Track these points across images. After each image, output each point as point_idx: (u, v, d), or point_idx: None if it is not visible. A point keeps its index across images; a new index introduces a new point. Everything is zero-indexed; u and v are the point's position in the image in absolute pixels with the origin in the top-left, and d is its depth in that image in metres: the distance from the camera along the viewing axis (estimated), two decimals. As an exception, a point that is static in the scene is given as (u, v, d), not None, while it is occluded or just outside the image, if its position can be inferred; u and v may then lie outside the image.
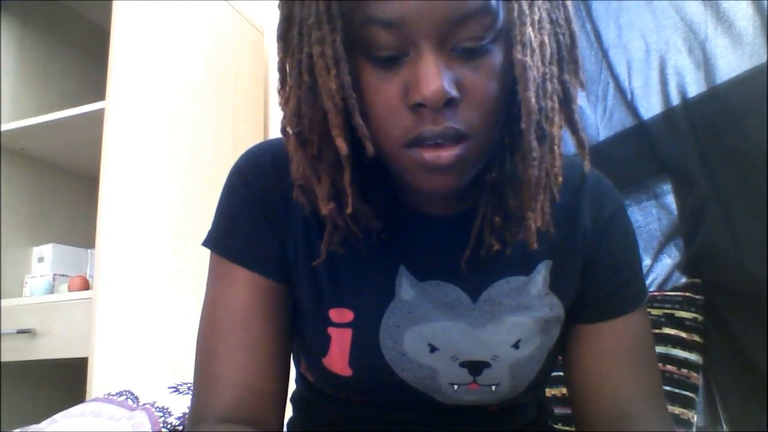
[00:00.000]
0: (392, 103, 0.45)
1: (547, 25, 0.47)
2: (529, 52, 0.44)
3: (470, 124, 0.45)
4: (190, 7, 1.58)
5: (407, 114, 0.45)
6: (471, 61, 0.44)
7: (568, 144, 0.54)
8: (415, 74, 0.43)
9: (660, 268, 1.16)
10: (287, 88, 0.48)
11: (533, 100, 0.44)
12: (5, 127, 1.46)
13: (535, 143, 0.46)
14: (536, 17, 0.45)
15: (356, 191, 0.49)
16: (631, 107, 1.21)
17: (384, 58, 0.44)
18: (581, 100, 1.28)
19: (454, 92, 0.43)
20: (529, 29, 0.44)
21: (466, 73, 0.44)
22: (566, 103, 0.49)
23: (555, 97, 0.47)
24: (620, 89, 1.23)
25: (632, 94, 1.21)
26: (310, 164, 0.48)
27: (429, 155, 0.45)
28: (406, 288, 0.58)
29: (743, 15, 1.01)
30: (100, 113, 1.30)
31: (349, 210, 0.48)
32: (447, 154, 0.45)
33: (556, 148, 0.48)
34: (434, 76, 0.42)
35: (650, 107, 1.18)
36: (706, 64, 1.07)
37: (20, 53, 1.62)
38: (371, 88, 0.45)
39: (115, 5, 1.35)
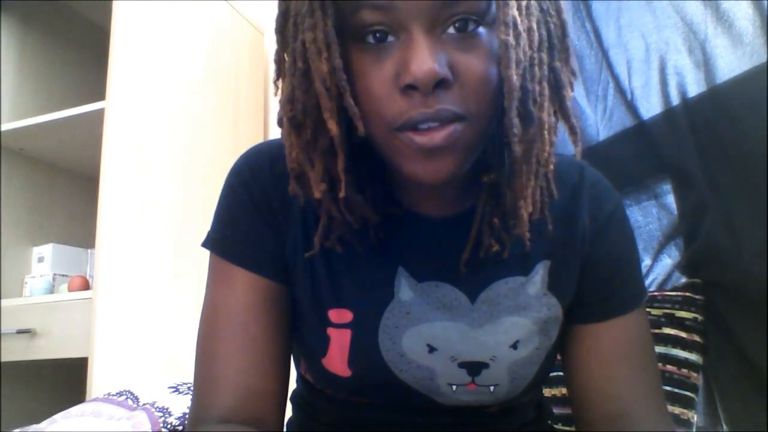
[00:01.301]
0: (384, 87, 0.45)
1: (536, 12, 0.47)
2: (512, 32, 0.44)
3: (465, 106, 0.45)
4: (190, 7, 1.58)
5: (399, 97, 0.45)
6: (463, 44, 0.45)
7: (567, 145, 0.54)
8: (406, 56, 0.44)
9: (660, 268, 1.16)
10: (282, 78, 0.49)
11: (514, 78, 0.44)
12: (5, 127, 1.47)
13: (516, 120, 0.46)
14: (523, 2, 0.46)
15: (350, 180, 0.49)
16: (631, 107, 1.21)
17: (375, 42, 0.45)
18: (581, 99, 1.28)
19: (446, 72, 0.44)
20: (514, 11, 0.44)
21: (458, 56, 0.45)
22: (557, 89, 0.49)
23: (545, 83, 0.47)
24: (620, 89, 1.23)
25: (632, 94, 1.21)
26: (304, 150, 0.48)
27: (421, 138, 0.45)
28: (405, 289, 0.58)
29: (743, 15, 1.01)
30: (100, 113, 1.31)
31: (341, 194, 0.48)
32: (440, 135, 0.45)
33: (545, 133, 0.48)
34: (425, 57, 0.42)
35: (650, 107, 1.17)
36: (706, 64, 1.07)
37: (20, 53, 1.63)
38: (363, 73, 0.46)
39: (115, 5, 1.35)
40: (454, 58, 0.44)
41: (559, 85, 0.49)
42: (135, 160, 1.34)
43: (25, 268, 1.56)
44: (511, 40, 0.44)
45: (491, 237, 0.55)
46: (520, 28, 0.45)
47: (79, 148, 1.55)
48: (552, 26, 0.48)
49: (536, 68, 0.47)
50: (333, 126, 0.45)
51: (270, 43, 1.96)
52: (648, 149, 1.17)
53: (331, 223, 0.53)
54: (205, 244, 0.61)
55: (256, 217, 0.58)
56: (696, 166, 1.06)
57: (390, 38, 0.45)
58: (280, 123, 0.50)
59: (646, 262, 1.16)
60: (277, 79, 0.50)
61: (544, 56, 0.47)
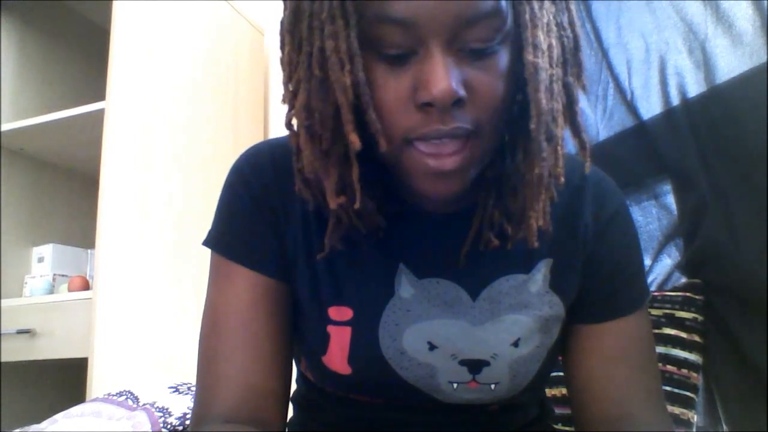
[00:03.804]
0: (401, 100, 0.45)
1: (553, 28, 0.47)
2: (540, 54, 0.44)
3: (478, 123, 0.46)
4: (190, 7, 1.58)
5: (415, 112, 0.45)
6: (479, 62, 0.45)
7: (568, 142, 0.54)
8: (423, 73, 0.44)
9: (660, 268, 1.16)
10: (294, 82, 0.48)
11: (544, 101, 0.45)
12: (5, 127, 1.47)
13: (544, 144, 0.46)
14: (545, 20, 0.46)
15: (363, 189, 0.49)
16: (631, 107, 1.21)
17: (393, 55, 0.45)
18: (581, 100, 1.28)
19: (462, 92, 0.44)
20: (540, 31, 0.44)
21: (473, 74, 0.45)
22: (570, 104, 0.49)
23: (560, 99, 0.48)
24: (620, 89, 1.23)
25: (632, 94, 1.21)
26: (320, 158, 0.48)
27: (432, 162, 0.46)
28: (406, 286, 0.58)
29: (743, 15, 1.01)
30: (100, 113, 1.31)
31: (357, 205, 0.48)
32: (451, 160, 0.46)
33: (559, 148, 0.48)
34: (443, 76, 0.43)
35: (650, 107, 1.18)
36: (706, 64, 1.07)
37: (20, 53, 1.62)
38: (380, 85, 0.45)
39: (115, 5, 1.35)
40: (469, 75, 0.44)
41: (571, 100, 0.49)
42: (135, 160, 1.34)
43: (25, 268, 1.56)
44: (541, 63, 0.44)
45: (492, 232, 0.55)
46: (543, 46, 0.45)
47: (79, 148, 1.55)
48: (566, 41, 0.48)
49: (554, 85, 0.47)
50: (355, 139, 0.44)
51: (270, 43, 1.96)
52: (648, 149, 1.17)
53: (338, 226, 0.53)
54: (206, 243, 0.61)
55: (256, 215, 0.58)
56: (696, 166, 1.07)
57: (408, 52, 0.44)
58: (288, 127, 0.49)
59: (646, 262, 1.16)
60: (288, 81, 0.48)
61: (559, 71, 0.48)
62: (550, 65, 0.46)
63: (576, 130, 0.50)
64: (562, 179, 0.50)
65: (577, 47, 0.49)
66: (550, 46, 0.46)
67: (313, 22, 0.45)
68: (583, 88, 0.50)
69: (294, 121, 0.48)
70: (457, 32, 0.43)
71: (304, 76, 0.46)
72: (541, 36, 0.45)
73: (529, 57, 0.44)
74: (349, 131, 0.44)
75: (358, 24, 0.44)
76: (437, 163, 0.46)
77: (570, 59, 0.49)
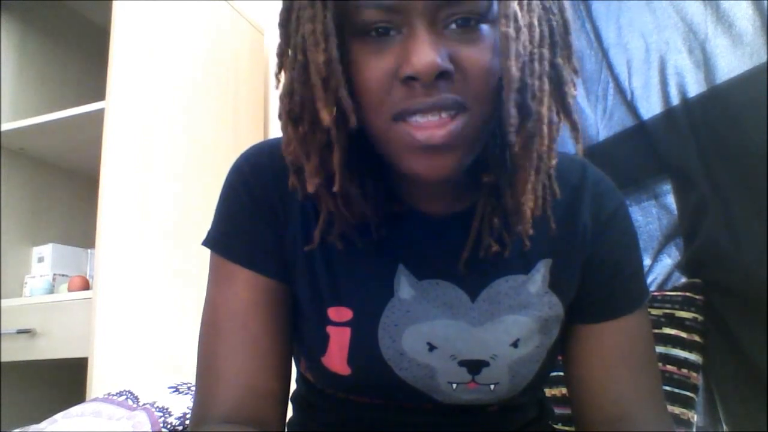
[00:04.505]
0: (384, 78, 0.45)
1: (537, 9, 0.47)
2: (513, 25, 0.44)
3: (466, 96, 0.46)
4: (190, 7, 1.58)
5: (399, 88, 0.45)
6: (465, 38, 0.45)
7: (568, 144, 0.54)
8: (407, 49, 0.44)
9: (660, 268, 1.16)
10: (284, 74, 0.49)
11: (513, 69, 0.44)
12: (5, 127, 1.47)
13: (513, 110, 0.45)
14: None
15: (347, 174, 0.49)
16: (631, 107, 1.21)
17: (376, 36, 0.45)
18: (581, 99, 1.28)
19: (447, 65, 0.44)
20: (515, 5, 0.45)
21: (460, 48, 0.45)
22: (558, 85, 0.49)
23: (545, 78, 0.47)
24: (620, 89, 1.23)
25: (632, 94, 1.21)
26: (301, 143, 0.48)
27: (421, 135, 0.45)
28: (405, 287, 0.58)
29: (743, 15, 1.01)
30: (100, 113, 1.31)
31: (336, 188, 0.48)
32: (440, 132, 0.45)
33: (545, 128, 0.48)
34: (427, 50, 0.43)
35: (650, 107, 1.17)
36: (706, 64, 1.07)
37: (20, 53, 1.63)
38: (363, 65, 0.46)
39: (115, 5, 1.35)
40: (455, 50, 0.45)
41: (560, 82, 0.49)
42: (135, 160, 1.34)
43: (25, 268, 1.56)
44: (512, 32, 0.44)
45: (491, 237, 0.54)
46: (521, 22, 0.45)
47: (79, 148, 1.55)
48: (554, 24, 0.49)
49: (536, 63, 0.47)
50: (325, 116, 0.45)
51: (270, 43, 1.96)
52: (648, 149, 1.17)
53: (331, 218, 0.53)
54: (205, 243, 0.61)
55: (256, 216, 0.58)
56: (696, 166, 1.06)
57: (392, 32, 0.45)
58: (281, 116, 0.50)
59: (646, 262, 1.16)
60: (279, 72, 0.50)
61: (546, 52, 0.47)
62: (531, 43, 0.46)
63: (567, 111, 0.50)
64: (554, 161, 0.49)
65: (566, 30, 0.50)
66: (531, 25, 0.46)
67: (299, 13, 0.46)
68: (575, 71, 0.50)
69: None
70: (440, 12, 0.44)
71: (289, 64, 0.47)
72: (517, 10, 0.45)
73: (501, 27, 0.44)
74: (321, 108, 0.45)
75: (340, 11, 0.45)
76: (426, 135, 0.45)
77: (559, 41, 0.49)
